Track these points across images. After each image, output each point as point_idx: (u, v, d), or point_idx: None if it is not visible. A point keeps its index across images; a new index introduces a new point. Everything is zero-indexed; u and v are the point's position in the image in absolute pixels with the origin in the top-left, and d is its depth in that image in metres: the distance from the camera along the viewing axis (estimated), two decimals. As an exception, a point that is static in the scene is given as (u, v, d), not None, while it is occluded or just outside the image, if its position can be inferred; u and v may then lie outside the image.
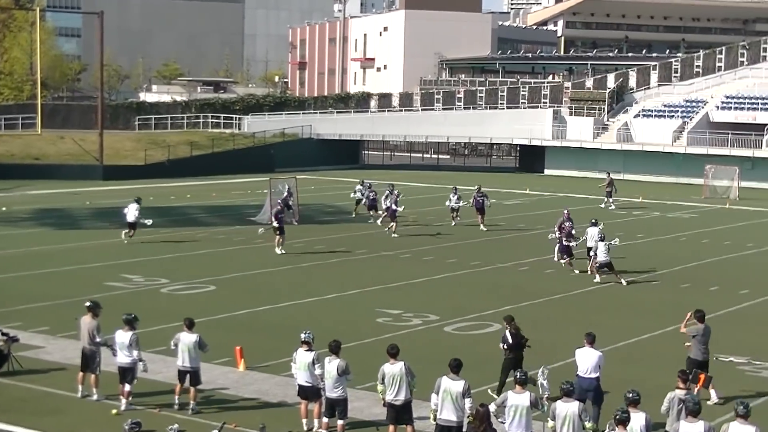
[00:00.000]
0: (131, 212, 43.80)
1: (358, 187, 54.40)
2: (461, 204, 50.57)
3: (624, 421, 15.17)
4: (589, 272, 37.03)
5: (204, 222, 50.68)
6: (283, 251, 41.34)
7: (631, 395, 16.03)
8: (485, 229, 48.68)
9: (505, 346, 21.70)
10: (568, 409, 16.32)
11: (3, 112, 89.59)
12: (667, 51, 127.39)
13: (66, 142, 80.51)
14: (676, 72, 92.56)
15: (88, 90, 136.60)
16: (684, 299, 33.51)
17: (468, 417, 17.10)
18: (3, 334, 23.51)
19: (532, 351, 22.80)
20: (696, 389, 17.42)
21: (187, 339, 20.66)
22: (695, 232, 51.23)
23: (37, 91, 78.81)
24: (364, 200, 53.00)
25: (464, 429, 17.30)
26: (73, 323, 22.92)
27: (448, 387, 17.36)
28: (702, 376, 18.56)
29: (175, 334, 21.04)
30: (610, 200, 61.64)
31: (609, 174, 64.92)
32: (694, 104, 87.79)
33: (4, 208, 55.84)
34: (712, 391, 21.84)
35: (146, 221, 43.92)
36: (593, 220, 39.07)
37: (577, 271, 37.76)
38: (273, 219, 42.31)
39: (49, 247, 42.18)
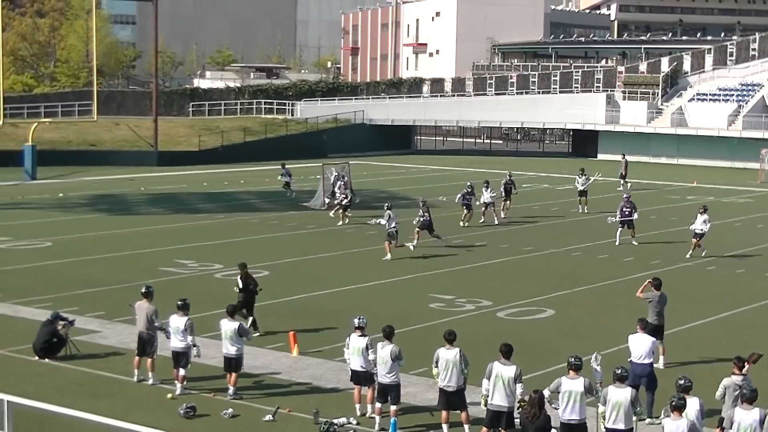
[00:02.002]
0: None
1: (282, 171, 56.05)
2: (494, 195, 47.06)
3: (680, 407, 15.08)
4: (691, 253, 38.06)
5: (257, 207, 50.90)
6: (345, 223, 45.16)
7: (683, 382, 15.94)
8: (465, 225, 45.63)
9: (237, 289, 25.66)
10: (620, 395, 16.28)
11: (60, 99, 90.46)
12: (722, 34, 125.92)
13: (121, 129, 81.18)
14: (731, 55, 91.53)
15: (142, 77, 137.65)
16: (738, 285, 33.29)
17: (518, 402, 17.10)
18: (62, 319, 23.80)
19: (584, 336, 22.73)
20: (746, 368, 17.27)
21: (227, 326, 20.78)
22: (750, 217, 50.75)
23: (93, 78, 79.32)
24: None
25: (515, 414, 17.31)
26: (128, 308, 23.13)
27: (500, 372, 17.36)
28: (755, 356, 18.36)
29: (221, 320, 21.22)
30: (624, 181, 61.92)
31: (624, 156, 65.11)
32: (749, 88, 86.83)
33: (60, 194, 56.44)
34: (662, 357, 23.04)
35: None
36: (703, 207, 38.78)
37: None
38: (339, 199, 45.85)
39: (104, 233, 42.57)
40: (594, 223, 46.12)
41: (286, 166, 55.75)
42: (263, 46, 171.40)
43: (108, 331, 25.73)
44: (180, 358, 20.83)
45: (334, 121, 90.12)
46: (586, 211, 49.83)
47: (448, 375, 18.22)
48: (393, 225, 37.29)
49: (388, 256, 36.80)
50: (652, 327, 22.69)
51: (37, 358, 23.15)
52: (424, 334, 25.33)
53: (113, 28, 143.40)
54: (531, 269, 35.64)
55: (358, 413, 19.55)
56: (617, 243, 40.29)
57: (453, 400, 18.37)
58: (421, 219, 38.95)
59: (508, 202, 48.46)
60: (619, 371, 16.59)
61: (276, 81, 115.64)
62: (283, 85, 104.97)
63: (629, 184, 61.21)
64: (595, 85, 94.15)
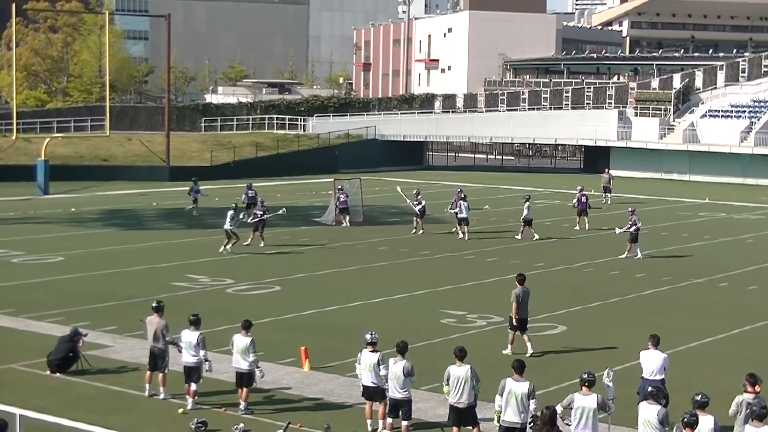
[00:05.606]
0: (462, 209, 45.60)
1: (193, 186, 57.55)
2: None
3: (692, 424, 14.87)
4: None
5: (269, 223, 50.88)
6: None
7: (699, 397, 15.72)
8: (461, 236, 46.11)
9: None
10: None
11: (72, 114, 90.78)
12: (734, 51, 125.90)
13: (133, 144, 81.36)
14: (743, 72, 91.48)
15: (155, 92, 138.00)
16: (750, 301, 33.20)
17: (531, 418, 17.06)
18: (78, 334, 23.76)
19: (596, 352, 22.67)
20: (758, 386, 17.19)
21: (240, 341, 20.73)
22: (763, 233, 50.59)
23: (105, 93, 79.63)
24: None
25: (528, 430, 17.26)
26: (140, 323, 23.14)
27: (513, 388, 17.30)
28: None
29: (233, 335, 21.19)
30: (607, 195, 62.89)
31: (607, 170, 67.42)
32: (761, 104, 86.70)
33: (73, 209, 56.55)
34: (528, 345, 25.33)
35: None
36: None
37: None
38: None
39: (116, 248, 42.63)
40: (606, 239, 46.07)
41: None
42: (276, 62, 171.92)
43: (119, 346, 25.75)
44: (192, 372, 20.83)
45: (346, 137, 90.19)
46: None
47: (459, 392, 18.18)
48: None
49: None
50: (520, 320, 25.60)
51: (48, 371, 23.17)
52: (435, 349, 25.30)
53: (126, 44, 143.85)
54: (543, 285, 35.46)
55: (369, 429, 19.52)
56: (624, 256, 40.42)
57: (464, 416, 18.33)
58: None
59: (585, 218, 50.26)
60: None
61: (288, 96, 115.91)
62: (295, 100, 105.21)
63: (609, 199, 62.04)
64: (607, 101, 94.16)
